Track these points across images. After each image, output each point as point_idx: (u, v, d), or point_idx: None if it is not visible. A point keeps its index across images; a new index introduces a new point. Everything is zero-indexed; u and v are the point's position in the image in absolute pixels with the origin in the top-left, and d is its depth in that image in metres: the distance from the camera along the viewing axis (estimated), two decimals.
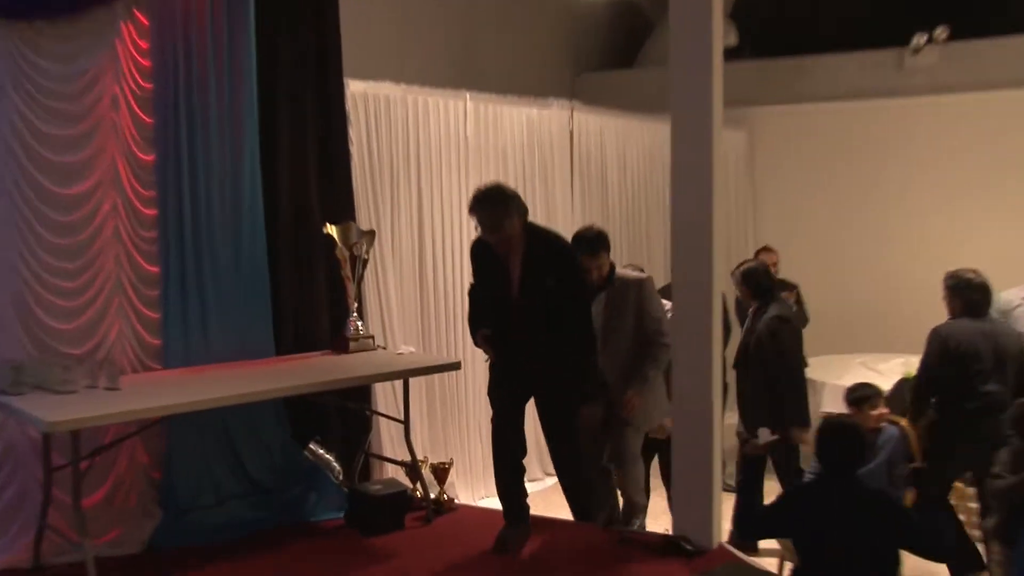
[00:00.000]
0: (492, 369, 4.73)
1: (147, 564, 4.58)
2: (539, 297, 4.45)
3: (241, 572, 4.49)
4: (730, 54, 8.80)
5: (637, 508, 5.15)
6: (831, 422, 3.92)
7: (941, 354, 5.11)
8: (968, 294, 5.16)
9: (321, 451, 5.28)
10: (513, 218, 4.38)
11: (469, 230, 5.44)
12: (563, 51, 9.62)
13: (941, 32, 8.52)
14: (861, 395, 5.14)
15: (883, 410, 5.11)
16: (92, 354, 4.77)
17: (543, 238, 4.53)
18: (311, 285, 5.40)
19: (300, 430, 5.29)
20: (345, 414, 5.46)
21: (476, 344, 4.68)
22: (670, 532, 4.74)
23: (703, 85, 4.50)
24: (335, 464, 5.30)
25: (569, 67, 9.71)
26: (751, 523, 4.29)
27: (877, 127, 9.04)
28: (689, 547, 4.49)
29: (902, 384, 6.20)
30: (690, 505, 4.65)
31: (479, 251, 4.63)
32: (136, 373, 4.85)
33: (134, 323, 4.91)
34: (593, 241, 4.96)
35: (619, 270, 5.14)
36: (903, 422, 5.53)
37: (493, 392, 4.72)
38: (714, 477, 4.62)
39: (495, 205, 4.38)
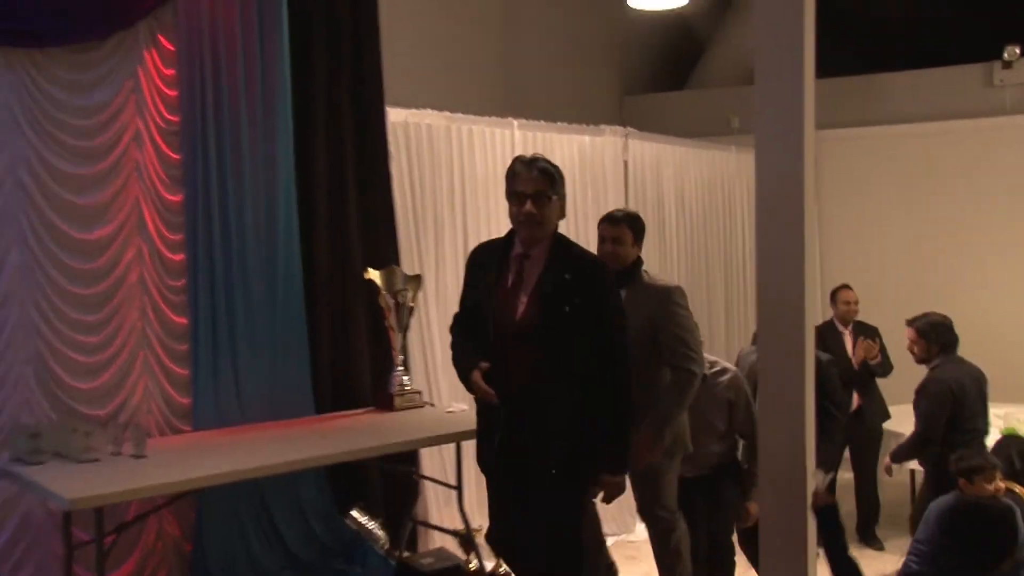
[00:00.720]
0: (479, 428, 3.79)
1: None
2: (553, 325, 3.50)
3: None
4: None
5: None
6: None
7: (951, 402, 5.18)
8: (946, 335, 5.35)
9: (364, 519, 5.07)
10: (556, 201, 3.59)
11: None
12: (610, 73, 9.47)
13: None
14: (974, 465, 4.72)
15: (1001, 484, 4.69)
16: (115, 416, 4.58)
17: (573, 251, 3.67)
18: (352, 336, 5.21)
19: (341, 495, 5.07)
20: (390, 478, 5.22)
21: (469, 386, 3.65)
22: None
23: (793, 105, 4.22)
24: (380, 533, 5.09)
25: (616, 90, 9.55)
26: None
27: (961, 150, 8.73)
28: None
29: (1007, 443, 5.84)
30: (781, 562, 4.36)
31: (481, 259, 3.77)
32: (164, 436, 4.67)
33: (161, 381, 4.73)
34: (619, 214, 4.42)
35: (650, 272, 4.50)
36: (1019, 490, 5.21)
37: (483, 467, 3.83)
38: (810, 556, 4.32)
39: (545, 171, 3.58)
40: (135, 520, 4.37)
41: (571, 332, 3.49)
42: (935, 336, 5.36)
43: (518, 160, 3.65)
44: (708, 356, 4.63)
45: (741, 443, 4.77)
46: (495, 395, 3.52)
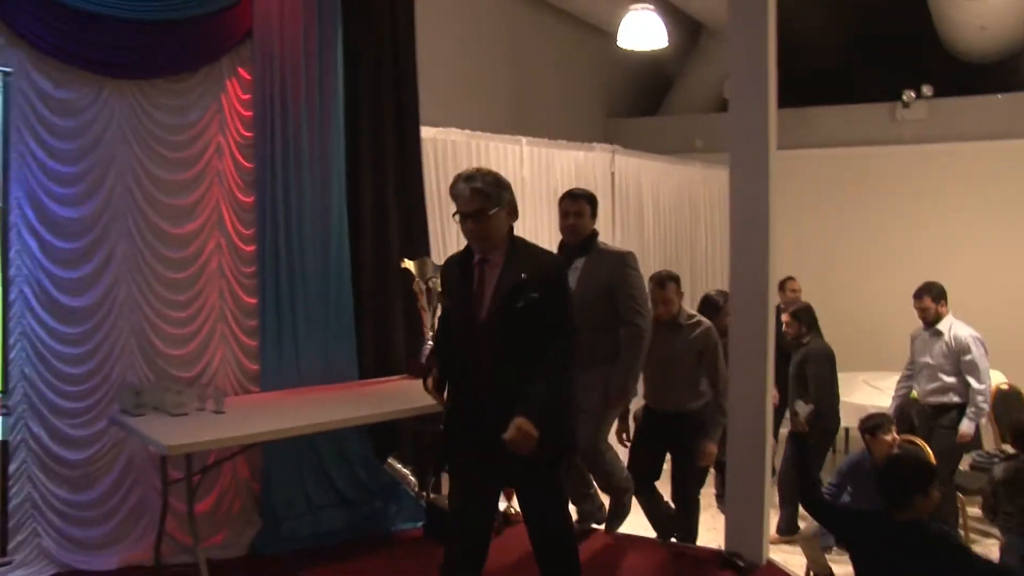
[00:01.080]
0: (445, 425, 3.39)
1: (250, 567, 4.52)
2: (512, 322, 3.13)
3: None
4: None
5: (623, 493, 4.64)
6: (895, 456, 3.72)
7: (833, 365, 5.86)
8: (812, 317, 6.02)
9: (399, 466, 5.14)
10: (498, 212, 3.13)
11: None
12: (597, 99, 9.58)
13: (927, 90, 8.74)
14: (875, 423, 4.93)
15: (895, 436, 4.90)
16: (199, 378, 4.70)
17: (530, 252, 3.26)
18: (389, 315, 5.28)
19: (380, 447, 5.15)
20: (419, 434, 5.30)
21: (424, 385, 3.41)
22: (722, 548, 4.56)
23: (760, 126, 4.38)
24: (411, 478, 5.15)
25: (602, 113, 9.64)
26: (821, 504, 3.82)
27: (870, 171, 8.99)
28: (741, 563, 4.32)
29: (907, 404, 6.04)
30: (742, 522, 4.49)
31: (450, 269, 3.39)
32: (237, 395, 4.77)
33: (235, 350, 4.82)
34: (578, 191, 4.40)
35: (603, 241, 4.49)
36: (919, 442, 5.37)
37: (448, 466, 3.45)
38: (765, 496, 4.46)
39: (480, 191, 3.11)
40: (216, 464, 4.49)
41: (529, 326, 3.12)
42: (806, 318, 5.89)
43: (459, 179, 3.18)
44: (688, 310, 4.78)
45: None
46: (444, 400, 3.32)
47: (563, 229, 4.40)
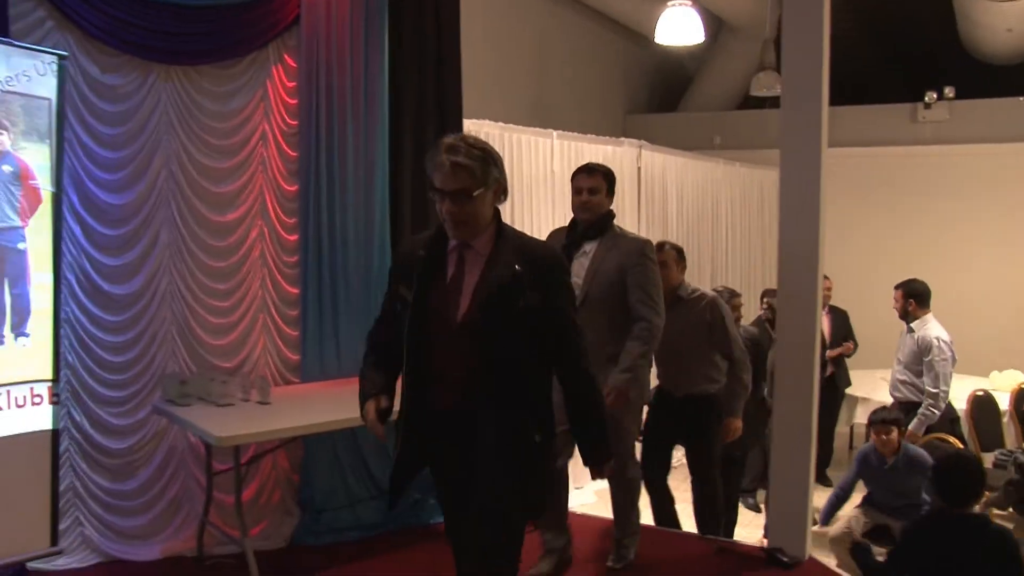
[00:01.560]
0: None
1: (290, 558, 4.47)
2: (501, 325, 2.53)
3: (371, 570, 4.36)
4: (774, 102, 8.73)
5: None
6: (957, 456, 3.69)
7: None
8: None
9: None
10: (487, 190, 2.55)
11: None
12: (616, 96, 9.51)
13: (949, 92, 8.72)
14: (879, 419, 4.89)
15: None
16: (240, 367, 4.61)
17: (523, 240, 2.70)
18: None
19: None
20: None
21: (363, 416, 2.73)
22: (763, 543, 4.53)
23: (813, 123, 4.31)
24: None
25: (621, 109, 9.58)
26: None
27: (891, 170, 8.95)
28: (785, 559, 4.28)
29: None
30: (785, 518, 4.45)
31: (407, 259, 2.68)
32: (277, 386, 4.69)
33: (276, 339, 4.75)
34: (595, 165, 3.96)
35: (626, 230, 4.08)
36: (952, 439, 5.36)
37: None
38: (809, 491, 4.42)
39: (471, 154, 2.52)
40: (262, 455, 4.43)
41: (523, 333, 2.55)
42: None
43: (441, 148, 2.54)
44: (689, 284, 4.55)
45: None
46: (383, 434, 2.76)
47: (576, 207, 3.92)
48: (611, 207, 4.00)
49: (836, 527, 4.91)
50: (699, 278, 7.97)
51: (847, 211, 9.11)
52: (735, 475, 5.41)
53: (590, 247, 3.87)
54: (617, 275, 3.82)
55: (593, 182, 3.94)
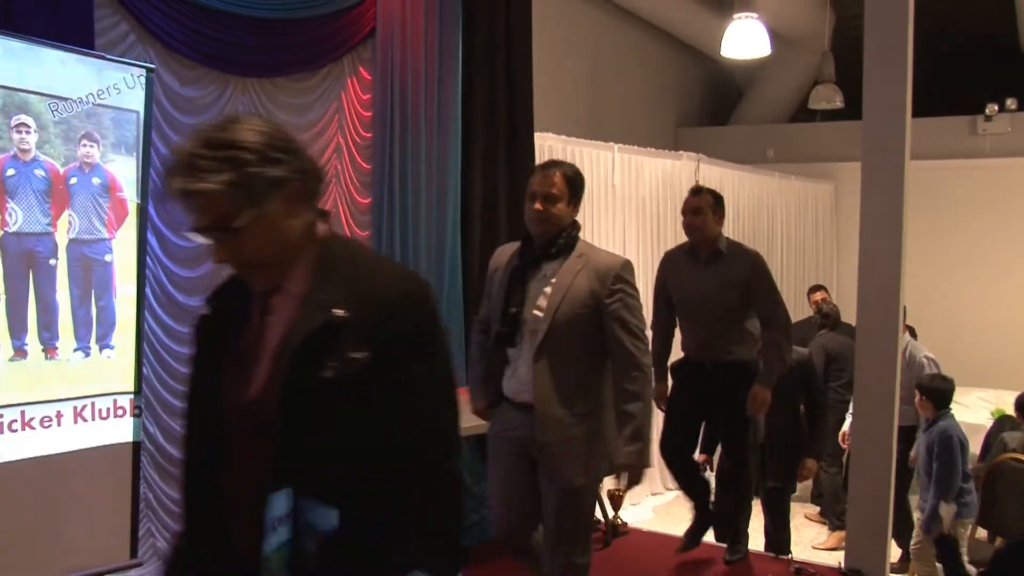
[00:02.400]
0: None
1: None
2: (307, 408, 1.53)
3: None
4: (833, 115, 8.60)
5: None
6: None
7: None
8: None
9: None
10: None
11: None
12: (667, 109, 9.41)
13: (1011, 103, 8.51)
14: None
15: None
16: None
17: (350, 270, 1.67)
18: None
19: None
20: None
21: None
22: (842, 565, 4.39)
23: (896, 135, 4.19)
24: None
25: (672, 122, 9.48)
26: None
27: (951, 184, 8.73)
28: None
29: (1000, 422, 5.84)
30: (864, 538, 4.32)
31: (208, 324, 1.80)
32: None
33: None
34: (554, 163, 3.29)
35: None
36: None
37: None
38: (889, 511, 4.29)
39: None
40: None
41: (345, 421, 1.53)
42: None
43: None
44: (731, 238, 4.26)
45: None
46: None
47: (530, 217, 3.24)
48: (575, 218, 3.21)
49: (920, 539, 4.83)
50: None
51: (915, 226, 8.96)
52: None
53: (546, 268, 3.15)
54: (586, 303, 3.07)
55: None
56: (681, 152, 7.05)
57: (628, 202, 6.43)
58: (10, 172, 3.23)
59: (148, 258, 4.10)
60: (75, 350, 3.47)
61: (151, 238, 4.12)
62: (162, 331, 4.20)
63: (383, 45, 4.56)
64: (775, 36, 8.71)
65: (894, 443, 4.27)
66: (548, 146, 5.81)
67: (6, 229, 3.24)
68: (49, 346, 3.38)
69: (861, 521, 4.34)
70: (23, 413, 3.29)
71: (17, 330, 3.27)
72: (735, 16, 5.85)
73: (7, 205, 3.23)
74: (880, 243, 4.24)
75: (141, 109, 3.62)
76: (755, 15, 5.80)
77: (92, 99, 3.42)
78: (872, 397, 4.26)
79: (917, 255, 8.65)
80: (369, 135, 4.62)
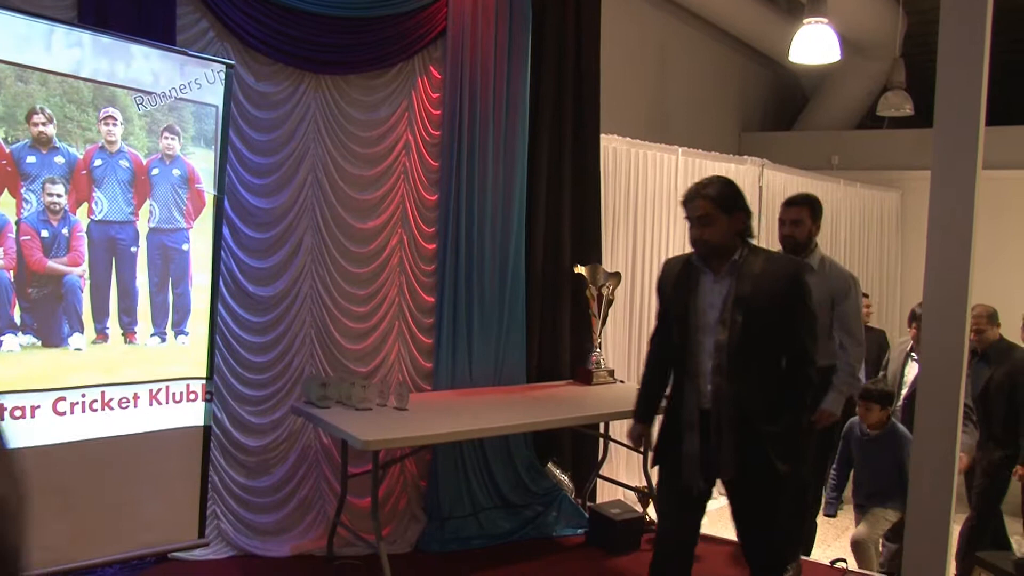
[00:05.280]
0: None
1: (415, 563, 4.47)
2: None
3: None
4: (901, 123, 8.45)
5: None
6: None
7: None
8: None
9: (558, 471, 5.04)
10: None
11: None
12: (731, 113, 9.33)
13: None
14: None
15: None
16: (374, 373, 4.63)
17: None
18: (558, 320, 5.15)
19: (541, 451, 5.04)
20: (579, 438, 5.18)
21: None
22: None
23: (969, 143, 4.10)
24: (569, 484, 5.05)
25: (736, 127, 9.40)
26: None
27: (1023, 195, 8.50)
28: None
29: None
30: (923, 560, 4.23)
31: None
32: (411, 393, 4.65)
33: (410, 346, 4.76)
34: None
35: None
36: None
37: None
38: (949, 531, 4.20)
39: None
40: (397, 459, 4.44)
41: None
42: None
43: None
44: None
45: None
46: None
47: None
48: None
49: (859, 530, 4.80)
50: None
51: (985, 235, 8.74)
52: None
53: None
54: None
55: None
56: (745, 157, 6.99)
57: None
58: (97, 163, 3.36)
59: (222, 249, 4.23)
60: (152, 335, 3.59)
61: (224, 229, 4.24)
62: (232, 320, 4.32)
63: (454, 44, 4.61)
64: (845, 41, 8.60)
65: (956, 457, 4.19)
66: (613, 148, 5.81)
67: (92, 217, 3.37)
68: (128, 330, 3.51)
69: (921, 541, 4.26)
70: (103, 394, 3.42)
71: (99, 314, 3.41)
72: (805, 21, 5.78)
73: (94, 194, 3.36)
74: (948, 253, 4.14)
75: (220, 103, 3.73)
76: (825, 20, 5.72)
77: (175, 93, 3.54)
78: (936, 410, 4.18)
79: (986, 266, 8.52)
80: (438, 133, 4.67)
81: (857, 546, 4.70)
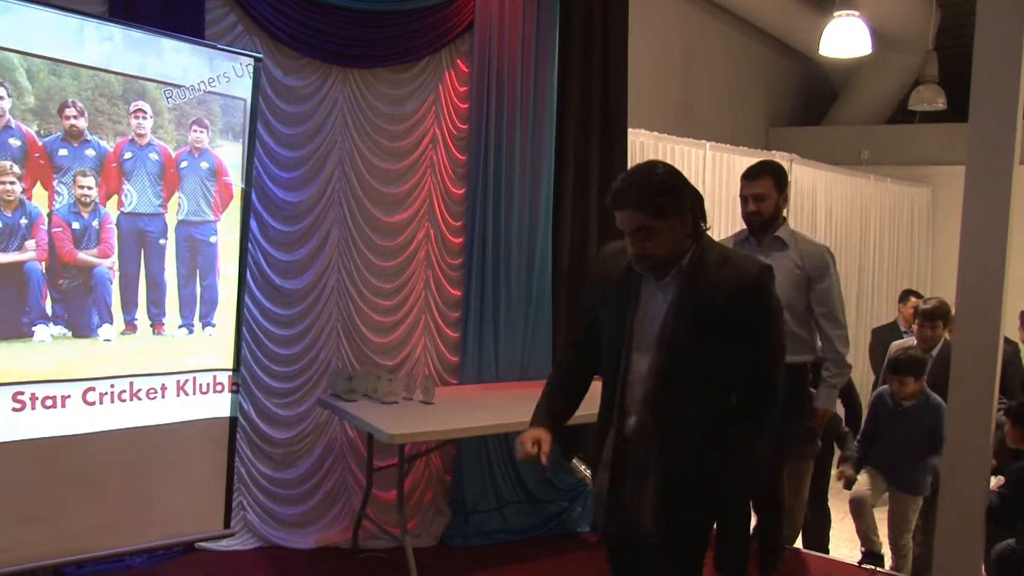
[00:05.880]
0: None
1: (440, 557, 4.49)
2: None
3: (519, 574, 4.32)
4: (932, 117, 8.34)
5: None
6: None
7: None
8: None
9: (583, 467, 5.01)
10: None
11: None
12: (759, 108, 9.25)
13: None
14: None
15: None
16: (400, 367, 4.63)
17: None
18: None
19: (566, 447, 5.01)
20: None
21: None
22: None
23: (1005, 137, 4.02)
24: (591, 479, 5.01)
25: (764, 121, 9.32)
26: None
27: None
28: None
29: None
30: (954, 554, 4.18)
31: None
32: (437, 387, 4.66)
33: (436, 340, 4.76)
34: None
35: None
36: None
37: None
38: (982, 524, 4.15)
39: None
40: (423, 453, 4.45)
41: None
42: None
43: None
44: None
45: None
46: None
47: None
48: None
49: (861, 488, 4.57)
50: (845, 295, 7.69)
51: (1022, 231, 8.60)
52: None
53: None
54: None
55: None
56: (773, 152, 6.93)
57: (719, 201, 6.35)
58: (127, 155, 3.38)
59: (249, 242, 4.25)
60: (180, 326, 3.62)
61: (252, 222, 4.26)
62: (259, 312, 4.34)
63: (481, 38, 4.60)
64: (876, 34, 8.50)
65: (989, 461, 4.13)
66: (640, 142, 5.78)
67: (121, 209, 3.39)
68: (156, 322, 3.54)
69: (953, 535, 4.21)
70: (131, 384, 3.45)
71: (128, 305, 3.43)
72: (835, 14, 5.71)
73: (123, 187, 3.38)
74: (982, 250, 4.08)
75: (248, 97, 3.74)
76: (856, 13, 5.65)
77: (203, 87, 3.56)
78: (968, 411, 4.12)
79: (1022, 263, 8.38)
80: (465, 127, 4.66)
81: (856, 505, 4.51)
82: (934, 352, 5.07)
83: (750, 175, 3.75)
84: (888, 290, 8.20)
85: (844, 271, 7.70)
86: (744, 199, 3.76)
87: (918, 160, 8.79)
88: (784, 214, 3.90)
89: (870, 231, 8.12)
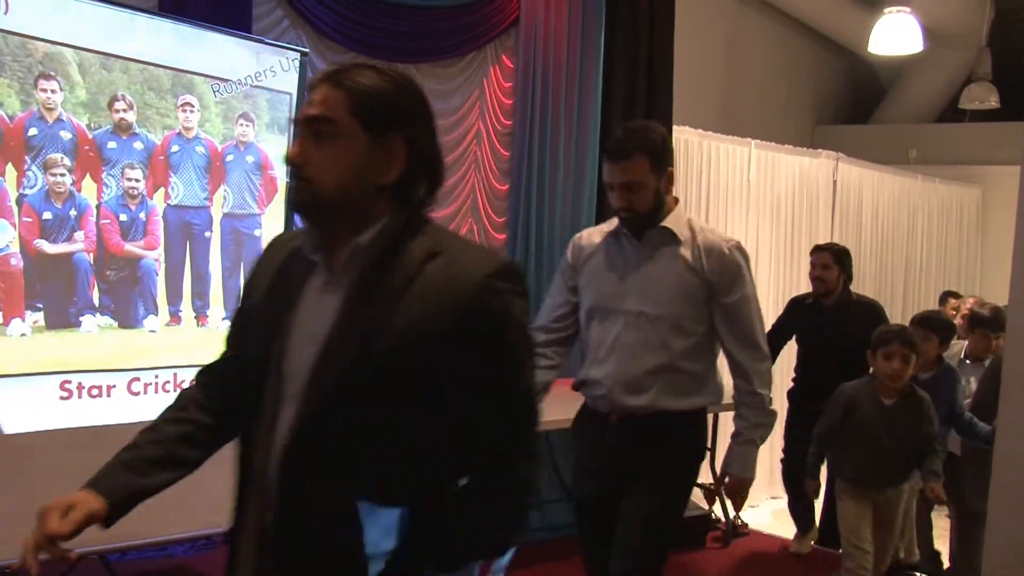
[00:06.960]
0: None
1: None
2: None
3: (560, 571, 4.26)
4: (984, 115, 8.15)
5: None
6: None
7: None
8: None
9: None
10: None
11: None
12: (805, 105, 9.10)
13: None
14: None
15: None
16: None
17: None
18: None
19: None
20: None
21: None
22: None
23: None
24: None
25: (810, 119, 9.17)
26: None
27: None
28: None
29: None
30: (1003, 556, 4.06)
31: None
32: None
33: None
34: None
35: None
36: None
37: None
38: None
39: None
40: None
41: None
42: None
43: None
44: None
45: None
46: None
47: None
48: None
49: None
50: (890, 297, 7.55)
51: None
52: None
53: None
54: None
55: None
56: (819, 150, 6.81)
57: (762, 200, 6.26)
58: (175, 148, 3.40)
59: None
60: (223, 319, 3.62)
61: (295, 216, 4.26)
62: None
63: (526, 34, 4.57)
64: (927, 31, 8.33)
65: None
66: (685, 140, 5.71)
67: (168, 202, 3.41)
68: (201, 314, 3.55)
69: (1001, 536, 4.09)
70: (175, 375, 3.46)
71: (173, 297, 3.45)
72: (886, 10, 5.58)
73: (170, 179, 3.40)
74: None
75: (294, 91, 3.74)
76: (907, 9, 5.52)
77: (250, 81, 3.56)
78: (1020, 405, 3.99)
79: None
80: (509, 123, 4.65)
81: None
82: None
83: (615, 154, 2.51)
84: (935, 293, 8.02)
85: (890, 272, 7.56)
86: (609, 187, 2.57)
87: (968, 160, 8.60)
88: (673, 195, 2.66)
89: (917, 232, 7.96)
